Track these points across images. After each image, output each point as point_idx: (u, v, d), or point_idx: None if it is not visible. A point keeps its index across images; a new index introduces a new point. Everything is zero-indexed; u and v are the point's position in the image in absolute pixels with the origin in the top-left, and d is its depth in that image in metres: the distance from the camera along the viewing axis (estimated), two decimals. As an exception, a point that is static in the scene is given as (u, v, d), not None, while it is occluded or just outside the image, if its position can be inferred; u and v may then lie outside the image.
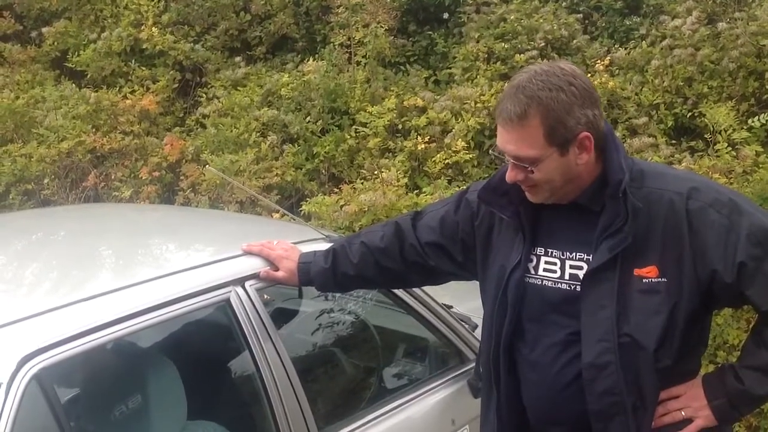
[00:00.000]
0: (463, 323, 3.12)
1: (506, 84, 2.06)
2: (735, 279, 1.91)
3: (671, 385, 2.02)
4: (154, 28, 7.78)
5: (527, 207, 2.11)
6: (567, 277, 2.04)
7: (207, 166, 4.50)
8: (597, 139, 1.96)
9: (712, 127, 5.50)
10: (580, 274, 2.01)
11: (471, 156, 6.08)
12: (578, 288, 2.01)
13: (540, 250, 2.10)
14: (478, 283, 2.35)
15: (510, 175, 1.98)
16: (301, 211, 5.70)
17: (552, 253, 2.08)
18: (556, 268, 2.06)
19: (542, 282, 2.07)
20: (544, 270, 2.08)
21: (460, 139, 6.11)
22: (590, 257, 2.00)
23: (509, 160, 1.97)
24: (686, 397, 2.03)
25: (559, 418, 2.07)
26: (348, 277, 2.49)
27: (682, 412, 2.03)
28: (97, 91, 7.53)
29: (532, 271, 2.09)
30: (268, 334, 2.41)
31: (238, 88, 7.41)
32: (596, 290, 1.97)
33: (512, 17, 7.02)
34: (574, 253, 2.04)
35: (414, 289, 2.85)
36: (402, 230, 2.43)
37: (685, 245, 1.94)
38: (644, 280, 1.95)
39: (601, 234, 1.97)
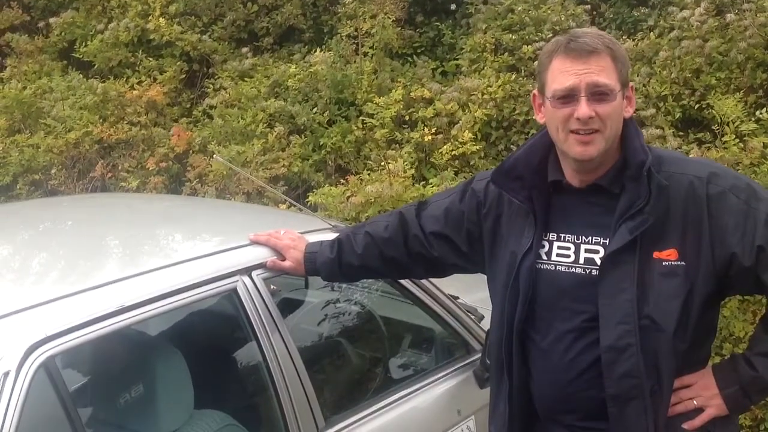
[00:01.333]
0: (470, 314, 3.12)
1: (553, 41, 2.07)
2: (754, 263, 1.93)
3: (684, 371, 2.03)
4: (161, 19, 7.76)
5: (540, 192, 2.12)
6: (582, 261, 2.04)
7: (215, 155, 4.50)
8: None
9: (720, 118, 5.47)
10: (596, 258, 2.02)
11: (478, 147, 6.05)
12: (594, 272, 2.01)
13: (552, 236, 2.10)
14: (483, 274, 2.35)
15: (585, 111, 1.94)
16: (307, 202, 5.70)
17: (565, 238, 2.08)
18: (570, 252, 2.06)
19: (555, 267, 2.07)
20: (557, 255, 2.07)
21: (467, 131, 6.09)
22: (607, 241, 2.00)
23: (582, 96, 1.95)
24: (698, 386, 2.04)
25: (570, 406, 2.07)
26: (353, 267, 2.49)
27: (694, 401, 2.04)
28: (104, 82, 7.54)
29: (545, 257, 2.09)
30: (275, 323, 2.41)
31: (245, 79, 7.40)
32: (615, 273, 1.97)
33: (520, 8, 6.98)
34: (589, 237, 2.04)
35: (421, 279, 2.85)
36: (406, 220, 2.42)
37: (704, 229, 1.95)
38: (664, 263, 1.96)
39: (620, 216, 1.98)
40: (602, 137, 1.97)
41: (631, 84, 2.07)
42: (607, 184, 2.04)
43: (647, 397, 1.97)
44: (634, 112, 2.15)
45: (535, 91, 2.13)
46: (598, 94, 1.96)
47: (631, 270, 1.96)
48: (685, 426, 2.03)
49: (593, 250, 2.04)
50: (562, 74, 1.99)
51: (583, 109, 1.95)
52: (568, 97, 1.97)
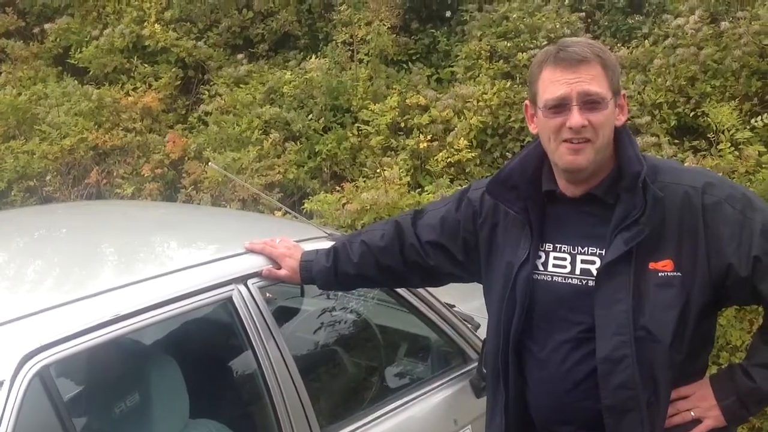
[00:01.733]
0: (466, 323, 3.12)
1: (543, 51, 2.09)
2: (750, 273, 1.93)
3: (681, 382, 2.02)
4: (156, 25, 7.77)
5: (535, 202, 2.11)
6: (578, 272, 2.03)
7: (210, 162, 4.50)
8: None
9: (715, 126, 5.49)
10: (592, 268, 2.01)
11: (473, 155, 6.07)
12: (590, 283, 2.00)
13: (548, 246, 2.09)
14: (479, 283, 2.34)
15: (577, 120, 1.93)
16: (303, 209, 5.69)
17: (561, 248, 2.07)
18: (566, 263, 2.05)
19: (552, 278, 2.06)
20: (554, 266, 2.07)
21: (462, 138, 6.10)
22: (602, 251, 2.00)
23: (574, 105, 1.95)
24: (695, 398, 2.03)
25: (567, 417, 2.06)
26: (349, 276, 2.48)
27: (692, 413, 2.03)
28: (99, 88, 7.53)
29: (541, 268, 2.08)
30: (271, 332, 2.40)
31: (241, 85, 7.40)
32: (611, 284, 1.96)
33: (515, 15, 7.00)
34: (585, 248, 2.04)
35: (416, 288, 2.84)
36: (402, 229, 2.42)
37: (700, 239, 1.95)
38: (660, 274, 1.95)
39: (616, 227, 1.97)
40: (592, 147, 1.97)
41: (623, 92, 2.07)
42: (601, 194, 2.04)
43: (644, 408, 1.96)
44: (629, 120, 2.14)
45: (527, 102, 2.13)
46: (590, 102, 1.96)
47: (626, 281, 1.95)
48: None
49: (589, 261, 2.03)
50: (552, 84, 1.99)
51: (576, 118, 1.95)
52: (560, 106, 1.97)
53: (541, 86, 2.02)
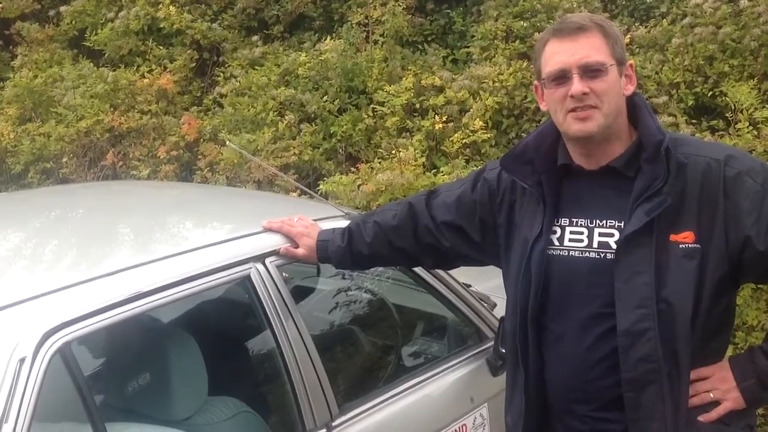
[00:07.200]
0: (482, 302, 3.12)
1: (545, 29, 2.10)
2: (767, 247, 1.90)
3: (701, 361, 1.99)
4: (171, 7, 7.74)
5: (550, 176, 2.10)
6: (596, 245, 2.01)
7: (228, 142, 4.51)
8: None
9: (734, 106, 5.45)
10: (611, 241, 1.99)
11: (489, 136, 6.04)
12: (608, 256, 1.98)
13: (564, 221, 2.07)
14: (494, 266, 2.33)
15: (578, 88, 1.94)
16: (318, 190, 5.70)
17: (578, 222, 2.05)
18: (584, 237, 2.04)
19: (568, 253, 2.05)
20: (570, 240, 2.05)
21: (477, 119, 6.07)
22: (621, 224, 1.98)
23: (574, 74, 1.95)
24: (715, 379, 2.01)
25: (587, 396, 2.04)
26: (363, 256, 2.49)
27: (711, 394, 2.00)
28: (114, 71, 7.54)
29: (557, 243, 2.06)
30: (289, 310, 2.41)
31: (256, 67, 7.38)
32: (632, 256, 1.94)
33: (531, -5, 6.96)
34: (604, 221, 2.02)
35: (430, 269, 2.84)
36: (415, 211, 2.41)
37: (719, 211, 1.93)
38: (681, 246, 1.93)
39: (637, 198, 1.95)
40: (600, 113, 1.96)
41: (629, 62, 2.05)
42: (621, 166, 2.02)
43: (665, 381, 1.94)
44: (648, 99, 2.13)
45: (536, 81, 2.13)
46: (591, 70, 1.95)
47: (648, 253, 1.93)
48: (700, 419, 2.00)
49: (608, 234, 2.01)
50: (553, 56, 2.00)
51: (576, 85, 1.95)
52: (562, 77, 1.98)
53: (543, 61, 2.04)
